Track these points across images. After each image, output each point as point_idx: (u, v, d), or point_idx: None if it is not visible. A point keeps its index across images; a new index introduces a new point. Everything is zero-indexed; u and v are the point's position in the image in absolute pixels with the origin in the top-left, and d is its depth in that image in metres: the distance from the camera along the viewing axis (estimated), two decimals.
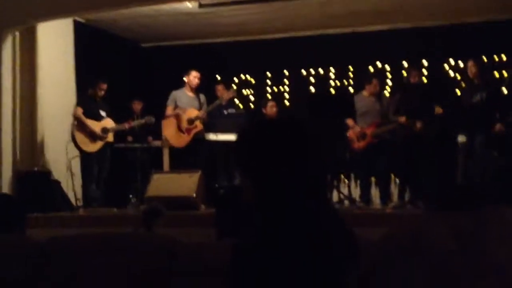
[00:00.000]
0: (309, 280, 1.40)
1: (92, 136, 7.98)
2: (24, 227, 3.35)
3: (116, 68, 9.60)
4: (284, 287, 1.40)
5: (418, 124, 7.28)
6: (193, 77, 8.29)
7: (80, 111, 8.00)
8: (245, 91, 10.42)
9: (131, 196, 8.34)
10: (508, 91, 7.93)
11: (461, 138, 7.09)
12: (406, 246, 1.35)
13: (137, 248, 2.77)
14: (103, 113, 8.16)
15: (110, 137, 8.13)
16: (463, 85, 8.00)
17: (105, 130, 8.05)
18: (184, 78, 8.40)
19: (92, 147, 8.00)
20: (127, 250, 2.76)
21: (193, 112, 8.19)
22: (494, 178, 6.68)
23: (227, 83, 9.74)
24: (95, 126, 8.01)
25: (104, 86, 8.16)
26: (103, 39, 9.58)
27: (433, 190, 6.57)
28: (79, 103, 8.14)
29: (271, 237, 1.46)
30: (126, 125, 8.27)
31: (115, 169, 8.49)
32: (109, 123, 8.14)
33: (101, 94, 8.18)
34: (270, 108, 8.63)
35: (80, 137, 7.94)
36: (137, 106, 9.02)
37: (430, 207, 1.69)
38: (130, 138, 8.72)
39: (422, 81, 8.26)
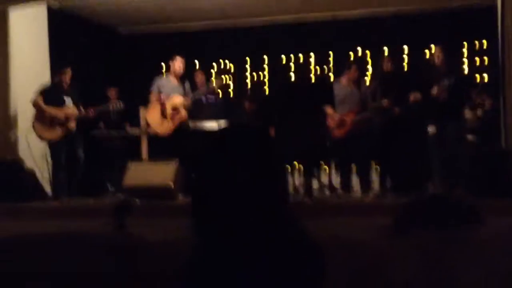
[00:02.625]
0: None
1: (52, 123, 7.73)
2: None
3: (92, 55, 9.42)
4: None
5: (396, 110, 7.24)
6: (178, 63, 8.10)
7: (39, 98, 7.73)
8: (224, 78, 10.28)
9: (108, 185, 8.21)
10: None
11: (431, 129, 7.04)
12: (370, 273, 1.26)
13: (102, 248, 2.65)
14: (67, 100, 7.86)
15: (71, 124, 7.87)
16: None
17: (67, 117, 7.81)
18: (168, 64, 8.22)
19: (52, 134, 7.74)
20: (91, 251, 2.64)
21: (178, 99, 8.00)
22: (473, 166, 6.62)
23: (206, 70, 9.61)
24: (57, 112, 7.78)
25: (68, 71, 7.83)
26: (78, 25, 9.37)
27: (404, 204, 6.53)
28: (40, 91, 7.85)
29: (222, 248, 1.39)
30: (90, 112, 8.02)
31: (92, 158, 8.33)
32: (71, 109, 7.89)
33: (65, 79, 7.86)
34: (251, 105, 8.58)
35: (38, 125, 7.70)
36: (112, 92, 8.85)
37: (400, 226, 1.61)
38: (102, 125, 8.53)
39: (396, 68, 8.19)
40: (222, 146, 1.47)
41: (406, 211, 1.57)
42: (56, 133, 7.74)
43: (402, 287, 1.15)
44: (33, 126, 7.71)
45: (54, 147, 7.82)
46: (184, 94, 8.08)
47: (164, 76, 8.27)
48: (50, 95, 7.78)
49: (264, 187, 1.41)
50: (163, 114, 7.96)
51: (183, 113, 7.99)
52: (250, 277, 1.35)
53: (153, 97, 8.06)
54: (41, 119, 7.70)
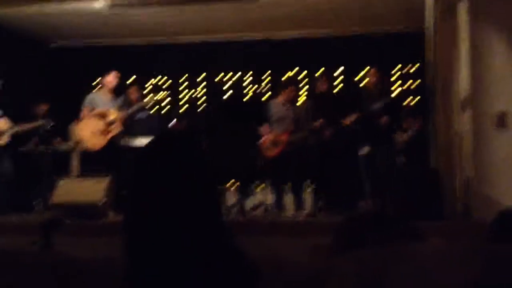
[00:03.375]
0: None
1: None
2: None
3: (22, 69, 9.14)
4: None
5: (327, 132, 7.35)
6: (112, 78, 7.99)
7: None
8: (159, 94, 10.18)
9: (35, 202, 7.93)
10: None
11: (364, 150, 7.18)
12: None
13: (25, 267, 2.54)
14: None
15: (3, 139, 7.62)
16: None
17: None
18: (102, 79, 8.09)
19: None
20: (13, 270, 2.52)
21: (112, 114, 7.86)
22: (402, 187, 6.77)
23: (141, 86, 9.50)
24: None
25: None
26: (7, 38, 9.07)
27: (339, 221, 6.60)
28: None
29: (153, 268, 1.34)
30: (18, 128, 7.79)
31: (20, 174, 8.05)
32: (2, 124, 7.64)
33: None
34: (178, 124, 8.52)
35: None
36: (42, 107, 8.60)
37: (336, 243, 1.60)
38: (34, 141, 8.29)
39: (330, 90, 8.33)
40: (151, 158, 1.41)
41: (343, 230, 1.56)
42: None
43: None
44: None
45: None
46: (119, 109, 7.95)
47: (97, 91, 8.12)
48: None
49: (197, 201, 1.36)
50: (95, 129, 7.81)
51: (115, 128, 7.85)
52: None
53: (85, 112, 7.90)
54: None
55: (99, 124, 7.81)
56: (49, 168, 8.02)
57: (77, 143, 7.94)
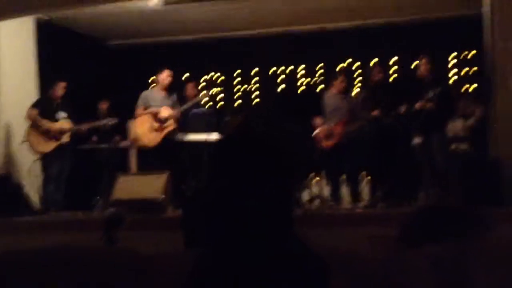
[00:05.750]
0: None
1: (47, 136, 7.75)
2: None
3: (82, 68, 9.37)
4: None
5: (383, 122, 7.25)
6: (165, 75, 8.11)
7: (34, 112, 7.76)
8: (213, 90, 10.28)
9: (97, 198, 8.14)
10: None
11: (417, 139, 7.06)
12: (379, 286, 1.24)
13: (92, 263, 2.61)
14: (63, 114, 7.92)
15: (66, 138, 7.88)
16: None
17: (60, 131, 7.82)
18: (156, 77, 8.22)
19: (46, 147, 7.77)
20: (83, 266, 2.59)
21: (166, 111, 8.00)
22: (464, 175, 6.63)
23: (196, 82, 9.61)
24: (51, 126, 7.78)
25: (62, 85, 7.92)
26: (67, 38, 9.33)
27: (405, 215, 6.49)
28: (34, 104, 7.88)
29: (229, 258, 1.36)
30: (83, 127, 8.04)
31: (80, 171, 8.28)
32: (65, 124, 7.91)
33: (59, 94, 7.93)
34: (235, 119, 8.54)
35: (33, 138, 7.73)
36: (103, 106, 8.81)
37: (404, 239, 1.58)
38: (95, 138, 8.51)
39: (386, 78, 8.21)
40: (228, 155, 1.44)
41: (413, 222, 1.54)
42: (50, 146, 7.75)
43: None
44: (28, 139, 7.70)
45: (47, 160, 7.81)
46: (172, 106, 8.07)
47: (152, 89, 8.26)
48: (44, 108, 7.79)
49: (272, 198, 1.38)
50: (150, 127, 7.95)
51: (169, 126, 7.98)
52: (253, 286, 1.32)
53: (140, 110, 8.06)
54: (36, 132, 7.71)
55: (154, 122, 7.95)
56: (109, 165, 8.20)
57: (134, 140, 8.11)
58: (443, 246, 1.31)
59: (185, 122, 8.22)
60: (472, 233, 1.48)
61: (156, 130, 7.94)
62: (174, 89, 8.50)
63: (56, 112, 7.89)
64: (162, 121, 7.95)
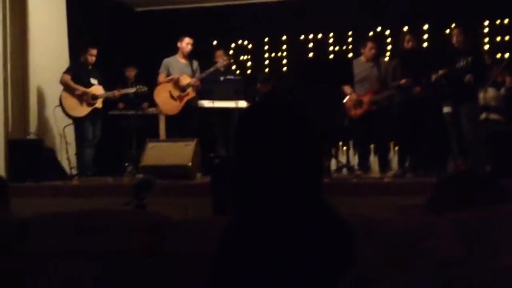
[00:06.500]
0: (295, 280, 1.29)
1: (80, 100, 7.84)
2: (7, 198, 3.21)
3: (110, 34, 9.42)
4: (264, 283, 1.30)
5: (417, 88, 7.15)
6: (186, 43, 8.13)
7: (67, 77, 7.83)
8: (242, 57, 10.23)
9: (126, 164, 8.23)
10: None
11: (447, 109, 6.95)
12: (408, 252, 1.23)
13: (123, 227, 2.65)
14: (94, 81, 8.00)
15: (99, 103, 7.97)
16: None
17: (94, 97, 7.90)
18: (178, 44, 8.21)
19: (80, 111, 7.85)
20: (112, 229, 2.63)
21: (185, 79, 8.04)
22: (495, 145, 6.53)
23: (224, 48, 9.57)
24: (85, 91, 7.86)
25: (94, 51, 7.97)
26: (96, 4, 9.35)
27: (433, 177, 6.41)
28: (67, 70, 7.96)
29: (256, 230, 1.37)
30: (116, 93, 8.11)
31: (110, 137, 8.37)
32: (98, 89, 7.99)
33: (91, 60, 8.00)
34: (264, 85, 8.48)
35: (68, 102, 7.82)
36: (131, 72, 8.86)
37: (432, 206, 1.56)
38: (121, 105, 8.58)
39: (418, 46, 8.05)
40: (259, 123, 1.43)
41: (439, 190, 1.53)
42: (84, 110, 7.85)
43: (445, 266, 1.13)
44: (61, 103, 7.79)
45: (80, 125, 7.91)
46: (193, 74, 8.08)
47: (174, 56, 8.26)
48: (77, 74, 7.87)
49: (301, 167, 1.37)
50: (171, 94, 8.00)
51: (189, 93, 8.01)
52: (283, 258, 1.32)
53: (160, 78, 8.10)
54: (70, 97, 7.80)
55: (173, 90, 8.00)
56: (139, 131, 8.27)
57: (156, 107, 8.19)
58: (472, 213, 1.30)
59: (212, 89, 8.21)
60: (494, 202, 1.46)
61: (176, 98, 8.00)
62: (203, 55, 8.49)
63: (89, 78, 7.96)
64: (182, 89, 7.99)
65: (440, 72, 6.90)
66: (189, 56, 8.20)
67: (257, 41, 10.16)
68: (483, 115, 7.46)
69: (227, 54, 8.81)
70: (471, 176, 1.58)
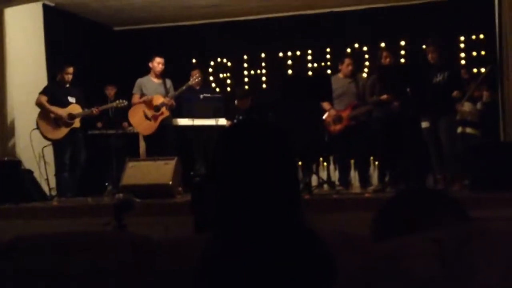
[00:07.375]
0: None
1: (56, 123, 7.76)
2: None
3: (89, 53, 9.39)
4: None
5: (396, 104, 7.21)
6: (157, 63, 8.15)
7: (43, 98, 7.76)
8: (222, 75, 10.26)
9: (107, 184, 8.17)
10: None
11: (425, 124, 7.02)
12: (383, 272, 1.23)
13: (102, 247, 2.62)
14: (71, 99, 7.92)
15: (76, 123, 7.90)
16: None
17: (71, 116, 7.83)
18: (149, 64, 8.21)
19: (57, 134, 7.78)
20: (92, 250, 2.61)
21: (158, 99, 8.04)
22: (473, 159, 6.59)
23: (204, 67, 9.59)
24: (61, 112, 7.79)
25: (70, 70, 7.91)
26: (74, 23, 9.35)
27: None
28: (43, 90, 7.88)
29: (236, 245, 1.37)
30: (95, 110, 8.04)
31: (89, 157, 8.31)
32: (75, 108, 7.91)
33: (68, 78, 7.92)
34: (243, 101, 8.45)
35: (43, 125, 7.74)
36: (111, 91, 8.84)
37: (377, 231, 1.57)
38: (99, 124, 8.54)
39: (395, 62, 8.13)
40: (236, 143, 1.44)
41: (385, 210, 1.53)
42: (62, 132, 7.78)
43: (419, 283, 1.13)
44: (38, 126, 7.72)
45: (59, 146, 7.83)
46: (166, 93, 8.09)
47: (147, 76, 8.26)
48: (53, 94, 7.80)
49: (277, 185, 1.38)
50: (145, 115, 8.01)
51: (165, 112, 8.01)
52: (263, 275, 1.32)
53: (135, 99, 8.11)
54: (46, 118, 7.75)
55: (148, 110, 8.01)
56: (118, 151, 8.23)
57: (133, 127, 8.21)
58: (450, 230, 1.30)
59: (191, 107, 8.21)
60: (448, 220, 1.46)
61: (150, 118, 8.00)
62: (182, 74, 8.49)
63: (66, 97, 7.90)
64: (156, 108, 7.99)
65: (415, 87, 6.97)
66: (162, 75, 8.21)
67: (236, 59, 10.19)
68: (459, 129, 7.54)
69: (202, 72, 8.82)
70: (423, 194, 1.58)
